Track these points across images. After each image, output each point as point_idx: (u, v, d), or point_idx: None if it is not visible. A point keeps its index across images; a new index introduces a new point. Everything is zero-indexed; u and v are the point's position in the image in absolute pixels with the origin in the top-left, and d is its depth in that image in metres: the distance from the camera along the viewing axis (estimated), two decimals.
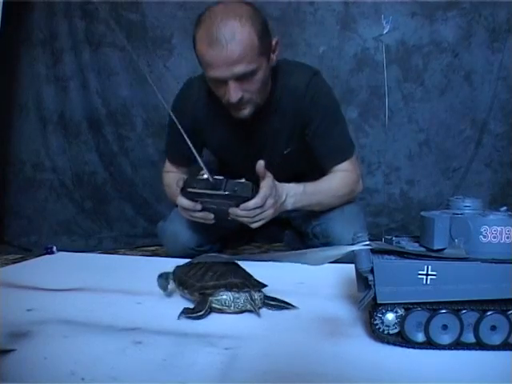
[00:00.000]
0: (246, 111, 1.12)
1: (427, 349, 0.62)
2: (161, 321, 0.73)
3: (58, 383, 0.53)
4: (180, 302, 0.82)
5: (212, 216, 1.09)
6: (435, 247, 0.62)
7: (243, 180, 1.03)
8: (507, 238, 0.61)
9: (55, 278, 1.00)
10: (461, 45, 1.77)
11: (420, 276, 0.60)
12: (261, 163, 1.04)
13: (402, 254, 0.63)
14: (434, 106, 1.82)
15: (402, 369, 0.56)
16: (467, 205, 0.64)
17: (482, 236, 0.61)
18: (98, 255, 1.40)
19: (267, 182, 1.05)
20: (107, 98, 1.89)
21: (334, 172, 1.22)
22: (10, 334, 0.67)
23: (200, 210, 1.08)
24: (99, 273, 1.07)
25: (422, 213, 0.65)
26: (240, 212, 1.04)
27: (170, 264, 0.94)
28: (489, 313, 0.61)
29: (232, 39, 1.00)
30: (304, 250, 0.69)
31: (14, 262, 1.26)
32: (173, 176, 1.33)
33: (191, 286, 0.79)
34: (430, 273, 0.60)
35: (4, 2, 1.53)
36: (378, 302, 0.61)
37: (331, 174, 1.23)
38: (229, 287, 0.75)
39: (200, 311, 0.74)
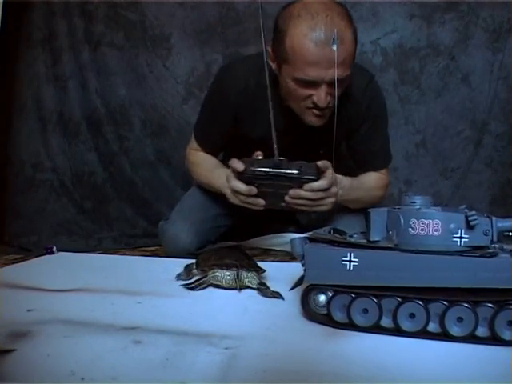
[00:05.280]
0: (323, 119, 1.06)
1: (350, 330, 0.67)
2: (161, 320, 0.73)
3: (58, 383, 0.53)
4: (180, 302, 0.82)
5: (263, 202, 1.04)
6: (371, 239, 0.68)
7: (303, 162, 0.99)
8: (435, 230, 0.64)
9: (55, 278, 1.00)
10: (458, 47, 1.77)
11: (344, 262, 0.66)
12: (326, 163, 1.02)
13: (334, 243, 0.69)
14: (431, 108, 1.82)
15: (402, 368, 0.56)
16: (413, 201, 0.68)
17: (410, 228, 0.65)
18: (98, 255, 1.39)
19: (330, 171, 1.02)
20: (106, 97, 1.89)
21: (370, 172, 1.24)
22: (10, 334, 0.67)
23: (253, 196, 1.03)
24: (99, 273, 1.07)
25: (368, 209, 0.70)
26: (303, 193, 0.99)
27: (169, 264, 0.94)
28: (408, 300, 0.64)
29: (341, 41, 0.94)
30: (261, 237, 0.93)
31: (14, 262, 1.25)
32: (204, 156, 1.27)
33: (199, 264, 0.98)
34: (352, 259, 0.66)
35: (4, 2, 1.53)
36: (306, 281, 0.69)
37: (369, 172, 1.24)
38: (220, 266, 0.91)
39: (194, 284, 0.91)
